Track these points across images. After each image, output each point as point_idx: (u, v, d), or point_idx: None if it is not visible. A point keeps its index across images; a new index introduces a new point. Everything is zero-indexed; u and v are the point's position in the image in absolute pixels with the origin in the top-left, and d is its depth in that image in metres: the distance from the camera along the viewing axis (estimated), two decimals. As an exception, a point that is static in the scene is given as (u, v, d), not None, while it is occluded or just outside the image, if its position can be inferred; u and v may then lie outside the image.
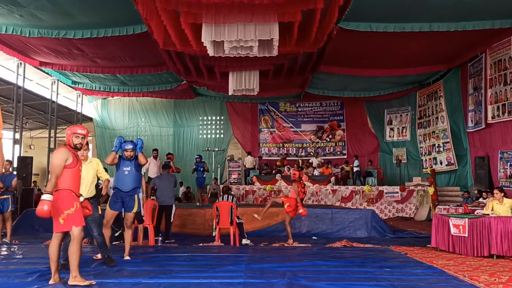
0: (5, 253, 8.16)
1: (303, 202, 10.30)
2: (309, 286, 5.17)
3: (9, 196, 9.78)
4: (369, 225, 11.85)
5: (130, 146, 7.33)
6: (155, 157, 14.01)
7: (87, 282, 5.09)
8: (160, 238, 9.96)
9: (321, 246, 9.45)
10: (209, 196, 17.88)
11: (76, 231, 5.07)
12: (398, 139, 21.40)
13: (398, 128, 21.38)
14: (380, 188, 18.04)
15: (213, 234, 9.95)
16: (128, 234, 7.31)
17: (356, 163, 20.35)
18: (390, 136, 21.68)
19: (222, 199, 9.86)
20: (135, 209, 7.22)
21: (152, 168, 13.56)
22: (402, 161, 20.60)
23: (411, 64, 16.01)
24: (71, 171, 5.19)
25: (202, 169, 15.20)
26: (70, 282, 5.02)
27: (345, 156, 22.26)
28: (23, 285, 5.01)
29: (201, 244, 9.50)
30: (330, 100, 22.45)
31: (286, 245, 9.50)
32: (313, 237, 11.19)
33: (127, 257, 7.11)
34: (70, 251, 5.08)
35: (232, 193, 10.70)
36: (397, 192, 17.56)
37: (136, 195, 7.26)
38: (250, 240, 9.82)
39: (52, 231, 5.15)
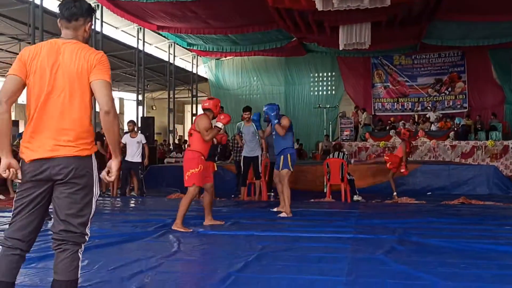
0: (133, 205, 8.98)
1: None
2: (420, 243, 5.03)
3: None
4: (490, 182, 11.15)
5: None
6: (132, 131, 10.28)
7: (185, 229, 5.66)
8: (272, 194, 10.26)
9: (436, 203, 9.12)
10: (321, 153, 17.90)
11: (192, 188, 5.78)
12: (527, 90, 19.55)
13: (527, 78, 19.49)
14: (505, 142, 16.68)
15: (324, 191, 10.04)
16: (282, 190, 7.33)
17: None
18: (518, 87, 19.86)
19: (333, 156, 9.89)
20: (280, 167, 7.23)
21: (130, 148, 10.02)
22: (531, 113, 18.85)
23: (544, 5, 14.30)
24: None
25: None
26: (173, 227, 5.69)
27: (466, 110, 20.83)
28: (148, 233, 5.48)
29: (312, 200, 9.64)
30: (449, 50, 20.86)
31: (391, 201, 9.51)
32: (428, 193, 10.81)
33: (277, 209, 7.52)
34: (181, 203, 5.83)
35: (344, 150, 10.64)
36: (525, 147, 16.17)
37: (282, 156, 7.23)
38: (362, 196, 9.77)
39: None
